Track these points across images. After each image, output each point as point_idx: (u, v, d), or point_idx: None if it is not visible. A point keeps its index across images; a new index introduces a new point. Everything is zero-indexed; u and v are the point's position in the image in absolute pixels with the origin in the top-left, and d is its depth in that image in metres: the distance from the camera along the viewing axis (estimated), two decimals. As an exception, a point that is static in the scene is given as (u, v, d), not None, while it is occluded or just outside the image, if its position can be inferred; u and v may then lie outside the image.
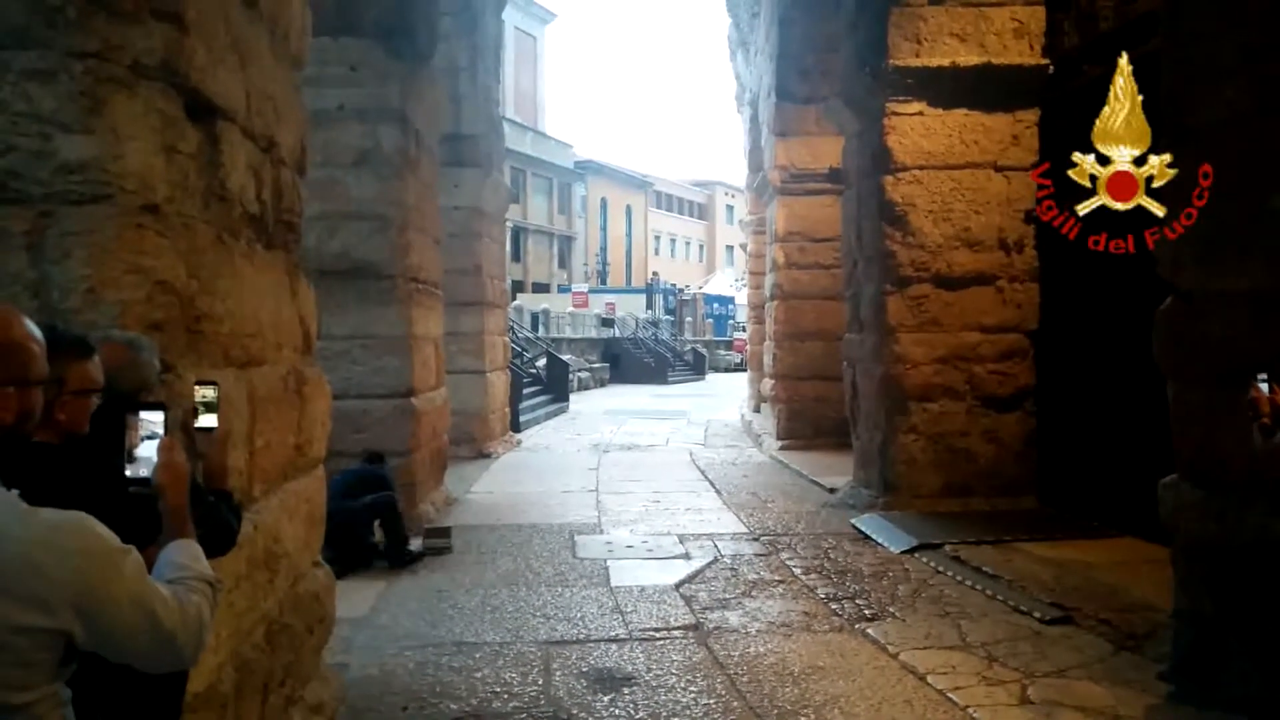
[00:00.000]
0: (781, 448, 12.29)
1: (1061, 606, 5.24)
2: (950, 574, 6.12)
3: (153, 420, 1.69)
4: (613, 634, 5.01)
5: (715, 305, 43.07)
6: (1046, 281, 8.19)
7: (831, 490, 9.26)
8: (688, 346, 35.32)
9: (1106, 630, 4.87)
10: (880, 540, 7.11)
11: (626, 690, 4.20)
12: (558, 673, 4.43)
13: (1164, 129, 4.38)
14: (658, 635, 5.00)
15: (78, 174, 2.30)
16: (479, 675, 4.38)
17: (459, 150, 11.37)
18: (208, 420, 2.13)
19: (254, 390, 3.06)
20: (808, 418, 12.49)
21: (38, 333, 1.39)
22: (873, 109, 8.15)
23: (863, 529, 7.46)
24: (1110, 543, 6.76)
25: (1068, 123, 8.24)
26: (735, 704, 4.04)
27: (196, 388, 2.18)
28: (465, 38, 11.38)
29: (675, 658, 4.64)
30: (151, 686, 1.88)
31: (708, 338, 39.13)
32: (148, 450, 1.67)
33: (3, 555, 1.25)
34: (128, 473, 1.66)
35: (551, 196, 46.17)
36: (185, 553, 1.55)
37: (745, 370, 32.26)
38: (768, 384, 13.29)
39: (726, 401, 20.78)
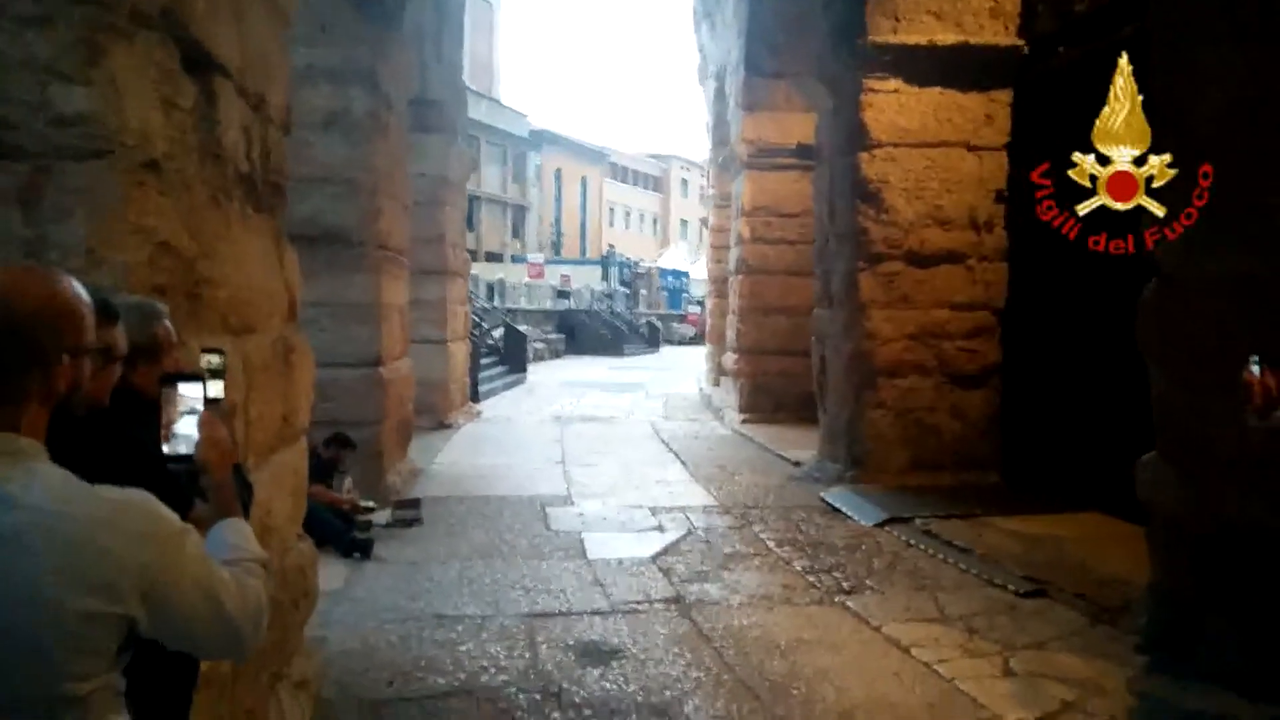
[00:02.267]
0: (744, 421, 12.34)
1: (1035, 580, 5.34)
2: (922, 547, 6.20)
3: (190, 394, 1.59)
4: (595, 607, 4.98)
5: (670, 279, 43.02)
6: (1011, 260, 8.30)
7: (797, 464, 9.33)
8: (643, 319, 35.23)
9: (1081, 604, 4.98)
10: (850, 514, 7.17)
11: (615, 663, 4.18)
12: (543, 646, 4.39)
13: (1159, 119, 4.42)
14: (640, 608, 4.99)
15: (76, 127, 2.16)
16: (463, 649, 4.33)
17: (424, 116, 11.09)
18: (215, 389, 2.03)
19: (249, 359, 2.95)
20: (770, 392, 12.55)
21: (85, 294, 1.30)
22: (849, 85, 8.13)
23: (832, 502, 7.52)
24: (1076, 517, 6.90)
25: (1040, 105, 8.35)
26: (726, 677, 4.04)
27: (202, 355, 2.08)
28: (431, 2, 11.08)
29: (660, 630, 4.64)
30: (168, 666, 1.81)
31: (662, 311, 39.08)
32: (186, 426, 1.57)
33: (68, 538, 1.16)
34: (165, 449, 1.56)
35: (506, 165, 45.59)
36: (238, 532, 1.48)
37: (698, 344, 32.36)
38: (730, 358, 13.31)
39: (683, 375, 20.79)
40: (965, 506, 7.16)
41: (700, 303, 38.57)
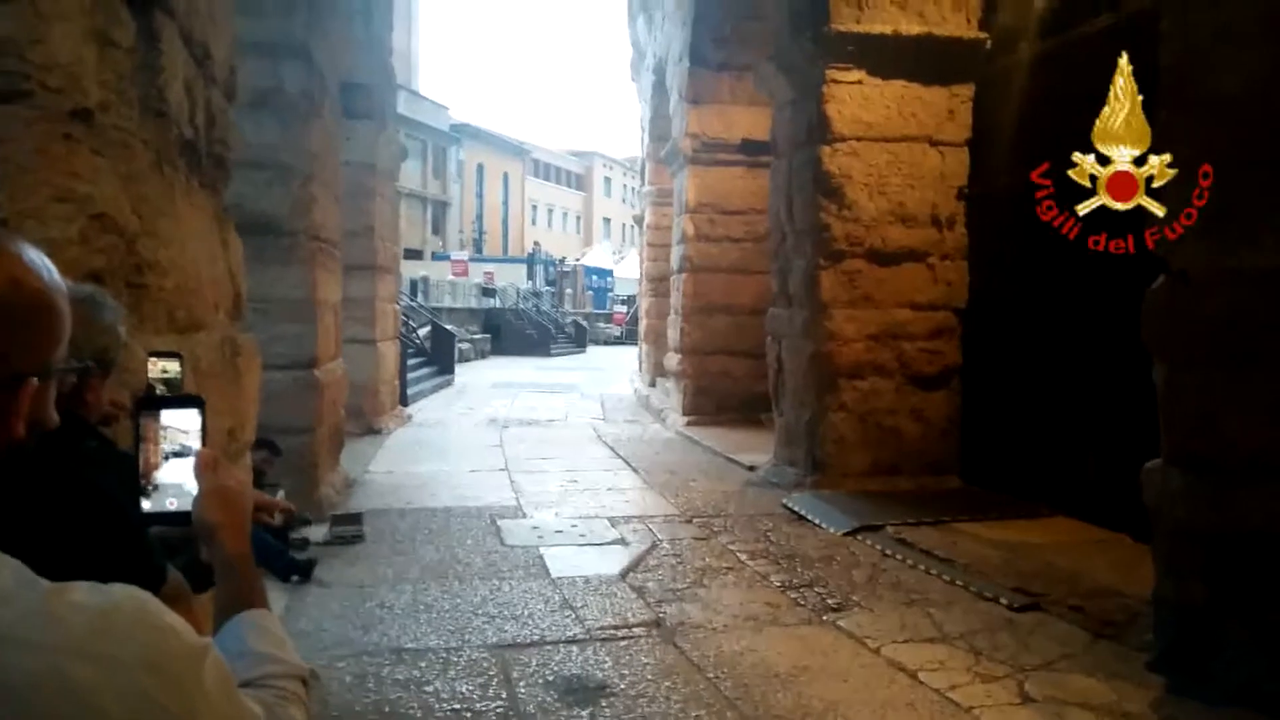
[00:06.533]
0: (688, 423, 12.01)
1: (1026, 592, 5.11)
2: (899, 557, 5.93)
3: (178, 424, 1.12)
4: (570, 634, 4.54)
5: (595, 278, 42.54)
6: (971, 259, 8.15)
7: (751, 468, 9.02)
8: (569, 318, 34.70)
9: (1079, 617, 4.75)
10: (818, 521, 6.88)
11: (604, 702, 3.75)
12: (520, 683, 3.93)
13: (1164, 100, 4.21)
14: (619, 634, 4.56)
15: (-16, 58, 1.64)
16: (430, 689, 3.84)
17: (352, 100, 10.38)
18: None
19: (197, 363, 2.43)
20: (713, 394, 12.25)
21: (57, 273, 0.82)
22: (811, 76, 7.84)
23: (797, 509, 7.22)
24: (1044, 522, 6.74)
25: (999, 101, 8.21)
26: (730, 715, 3.65)
27: (152, 361, 1.59)
28: (359, -23, 10.41)
29: (645, 660, 4.22)
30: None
31: (588, 310, 38.62)
32: (173, 471, 1.10)
33: (17, 677, 0.68)
34: (146, 505, 1.08)
35: (426, 160, 44.39)
36: (264, 634, 0.99)
37: (624, 344, 31.97)
38: (673, 359, 12.96)
39: (615, 375, 20.39)
40: (932, 512, 6.94)
41: (625, 302, 38.28)
